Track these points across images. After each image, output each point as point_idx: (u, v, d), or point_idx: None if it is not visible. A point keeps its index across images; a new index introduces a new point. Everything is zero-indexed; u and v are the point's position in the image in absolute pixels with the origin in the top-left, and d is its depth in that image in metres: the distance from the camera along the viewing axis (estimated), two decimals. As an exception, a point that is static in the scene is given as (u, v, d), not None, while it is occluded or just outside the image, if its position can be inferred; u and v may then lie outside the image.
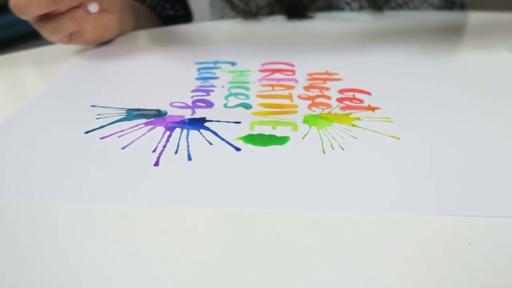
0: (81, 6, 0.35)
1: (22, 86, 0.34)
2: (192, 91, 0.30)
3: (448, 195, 0.19)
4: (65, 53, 0.39)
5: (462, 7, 0.53)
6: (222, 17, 0.54)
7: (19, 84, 0.34)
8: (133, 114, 0.27)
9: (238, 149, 0.23)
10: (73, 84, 0.32)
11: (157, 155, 0.22)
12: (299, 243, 0.16)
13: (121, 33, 0.44)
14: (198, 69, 0.34)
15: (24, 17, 0.32)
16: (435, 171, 0.20)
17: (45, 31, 0.35)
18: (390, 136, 0.24)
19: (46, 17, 0.34)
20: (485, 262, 0.15)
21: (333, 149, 0.23)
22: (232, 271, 0.15)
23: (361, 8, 0.49)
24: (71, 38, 0.37)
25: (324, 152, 0.22)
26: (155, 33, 0.46)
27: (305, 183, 0.20)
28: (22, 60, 0.39)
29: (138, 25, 0.47)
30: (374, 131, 0.24)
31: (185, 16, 0.58)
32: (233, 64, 0.36)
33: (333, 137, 0.24)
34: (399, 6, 0.49)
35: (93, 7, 0.35)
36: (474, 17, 0.48)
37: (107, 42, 0.42)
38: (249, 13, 0.47)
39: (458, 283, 0.14)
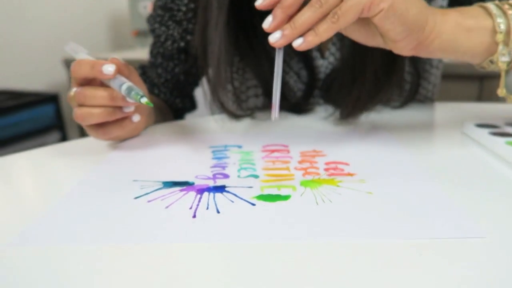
0: (127, 116, 0.43)
1: (68, 170, 0.42)
2: (211, 167, 0.39)
3: (406, 225, 0.27)
4: (99, 146, 0.48)
5: (432, 100, 0.65)
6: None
7: (64, 170, 0.42)
8: (168, 184, 0.35)
9: (253, 204, 0.31)
10: (113, 167, 0.41)
11: (194, 210, 0.30)
12: (299, 267, 0.24)
13: (146, 127, 0.53)
14: (213, 151, 0.43)
15: (83, 124, 0.42)
16: (398, 212, 0.28)
17: (96, 133, 0.43)
18: (365, 191, 0.32)
19: (99, 124, 0.42)
20: (429, 262, 0.23)
21: (324, 202, 0.31)
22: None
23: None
24: (111, 138, 0.46)
25: (317, 204, 0.30)
26: (172, 126, 0.55)
27: (305, 223, 0.27)
28: (57, 152, 0.47)
29: (159, 118, 0.57)
30: (353, 189, 0.33)
31: (191, 107, 0.70)
32: (239, 146, 0.45)
33: (323, 194, 0.32)
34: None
35: (136, 118, 0.44)
36: (437, 106, 0.60)
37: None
38: (241, 115, 0.56)
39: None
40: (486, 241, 0.25)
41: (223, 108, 0.54)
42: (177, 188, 0.34)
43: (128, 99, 0.39)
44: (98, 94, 0.40)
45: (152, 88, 0.64)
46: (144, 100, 0.38)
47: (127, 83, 0.39)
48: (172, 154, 0.44)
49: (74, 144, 0.49)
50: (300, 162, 0.39)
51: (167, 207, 0.31)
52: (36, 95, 1.64)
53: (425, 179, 0.34)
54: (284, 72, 0.57)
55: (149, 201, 0.32)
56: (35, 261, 0.25)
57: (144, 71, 0.65)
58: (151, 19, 0.62)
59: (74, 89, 0.41)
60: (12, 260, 0.25)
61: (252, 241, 0.26)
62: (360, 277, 0.22)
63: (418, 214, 0.28)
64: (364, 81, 0.47)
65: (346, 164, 0.38)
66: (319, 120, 0.54)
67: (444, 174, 0.35)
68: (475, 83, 1.16)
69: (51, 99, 1.66)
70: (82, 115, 0.40)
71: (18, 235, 0.28)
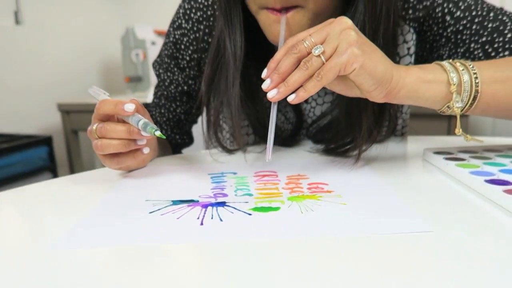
0: (139, 148, 0.50)
1: (84, 196, 0.48)
2: (211, 189, 0.46)
3: (371, 225, 0.34)
4: (107, 176, 0.54)
5: (402, 134, 0.74)
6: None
7: (80, 196, 0.48)
8: (176, 202, 0.42)
9: (250, 214, 0.38)
10: (126, 191, 0.47)
11: (201, 219, 0.37)
12: (289, 260, 0.30)
13: (151, 160, 0.60)
14: (212, 177, 0.50)
15: (100, 153, 0.49)
16: (365, 216, 0.36)
17: (110, 162, 0.50)
18: (341, 203, 0.39)
19: (113, 154, 0.50)
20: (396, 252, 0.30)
21: (307, 211, 0.38)
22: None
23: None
24: (122, 167, 0.53)
25: (302, 212, 0.37)
26: (174, 158, 0.62)
27: (293, 226, 0.34)
28: (70, 182, 0.53)
29: (160, 153, 0.65)
30: (330, 202, 0.40)
31: (189, 142, 0.77)
32: (235, 173, 0.52)
33: (306, 205, 0.39)
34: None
35: (146, 150, 0.51)
36: (410, 140, 0.68)
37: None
38: (234, 149, 0.63)
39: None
40: (434, 235, 0.32)
41: (219, 144, 0.61)
42: (185, 205, 0.41)
43: (143, 133, 0.46)
44: (117, 129, 0.47)
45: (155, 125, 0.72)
46: (158, 133, 0.45)
47: (143, 120, 0.46)
48: (176, 180, 0.50)
49: (84, 176, 0.56)
50: (287, 184, 0.46)
51: (178, 218, 0.38)
52: (29, 137, 1.70)
53: (389, 193, 0.41)
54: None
55: (162, 214, 0.39)
56: (77, 261, 0.31)
57: (148, 110, 0.73)
58: (157, 64, 0.71)
59: (96, 125, 0.48)
60: (55, 261, 0.31)
61: (250, 239, 0.32)
62: (337, 264, 0.29)
63: (381, 216, 0.35)
64: (362, 125, 0.52)
65: (326, 184, 0.46)
66: (304, 152, 0.61)
67: (405, 189, 0.43)
68: (444, 121, 1.28)
69: (44, 141, 1.71)
70: (102, 145, 0.48)
71: (57, 241, 0.34)
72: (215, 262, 0.29)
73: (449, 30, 0.57)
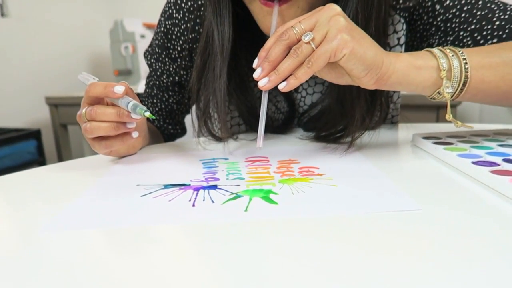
0: (128, 132, 0.50)
1: (75, 181, 0.47)
2: (203, 174, 0.46)
3: (361, 204, 0.34)
4: (98, 163, 0.54)
5: (393, 123, 0.74)
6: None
7: (71, 181, 0.48)
8: (168, 186, 0.42)
9: (241, 196, 0.38)
10: (117, 176, 0.47)
11: (193, 201, 0.37)
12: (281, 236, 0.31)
13: (141, 148, 0.60)
14: (203, 163, 0.50)
15: (90, 136, 0.48)
16: (356, 196, 0.36)
17: (99, 146, 0.50)
18: (331, 185, 0.40)
19: (102, 137, 0.50)
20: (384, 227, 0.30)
21: (298, 192, 0.38)
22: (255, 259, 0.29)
23: None
24: (111, 152, 0.53)
25: (293, 194, 0.38)
26: (165, 146, 0.62)
27: (283, 206, 0.35)
28: (61, 168, 0.53)
29: (152, 141, 0.64)
30: (321, 184, 0.40)
31: (182, 133, 0.77)
32: (226, 159, 0.52)
33: (297, 187, 0.39)
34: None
35: (135, 134, 0.51)
36: (401, 127, 0.69)
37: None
38: (225, 138, 0.62)
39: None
40: (422, 213, 0.33)
41: (209, 133, 0.61)
42: (176, 188, 0.41)
43: (133, 115, 0.46)
44: (107, 111, 0.47)
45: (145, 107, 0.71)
46: (148, 113, 0.45)
47: (133, 101, 0.46)
48: (167, 165, 0.50)
49: (73, 163, 0.55)
50: (278, 168, 0.47)
51: (170, 200, 0.38)
52: (17, 131, 1.68)
53: (379, 175, 0.42)
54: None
55: (153, 198, 0.39)
56: (69, 243, 0.31)
57: (140, 101, 0.72)
58: (148, 54, 0.70)
59: (85, 108, 0.48)
60: (46, 242, 0.31)
61: (242, 220, 0.33)
62: (327, 243, 0.29)
63: (371, 196, 0.36)
64: (354, 113, 0.53)
65: (317, 168, 0.46)
66: (295, 139, 0.62)
67: (395, 172, 0.43)
68: (433, 111, 1.29)
69: (33, 135, 1.69)
70: (91, 128, 0.48)
71: (49, 223, 0.34)
72: (207, 242, 0.30)
73: (438, 19, 0.58)
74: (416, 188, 0.38)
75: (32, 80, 1.94)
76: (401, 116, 0.76)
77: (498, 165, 0.41)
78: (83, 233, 0.32)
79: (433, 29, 0.59)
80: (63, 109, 1.82)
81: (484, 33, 0.55)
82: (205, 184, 0.42)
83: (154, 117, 0.45)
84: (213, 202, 0.37)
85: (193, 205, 0.36)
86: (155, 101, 0.71)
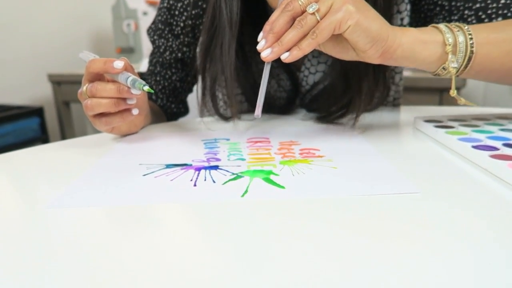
0: (128, 109, 0.51)
1: (78, 160, 0.48)
2: (205, 154, 0.46)
3: (359, 186, 0.35)
4: (101, 141, 0.55)
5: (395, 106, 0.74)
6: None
7: (74, 160, 0.48)
8: (170, 166, 0.42)
9: (242, 176, 0.38)
10: (119, 155, 0.47)
11: (194, 181, 0.37)
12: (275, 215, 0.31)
13: (143, 127, 0.60)
14: (205, 143, 0.51)
15: (90, 113, 0.49)
16: (354, 179, 0.36)
17: (100, 123, 0.50)
18: (331, 167, 0.40)
19: (102, 114, 0.50)
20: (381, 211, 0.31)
21: (298, 174, 0.38)
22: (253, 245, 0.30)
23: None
24: (113, 129, 0.53)
25: (293, 175, 0.38)
26: (167, 125, 0.63)
27: (284, 187, 0.35)
28: (75, 145, 0.54)
29: (154, 120, 0.65)
30: (321, 166, 0.41)
31: (184, 112, 0.77)
32: (227, 139, 0.52)
33: (298, 169, 0.40)
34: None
35: (135, 111, 0.51)
36: (403, 109, 0.69)
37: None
38: (228, 116, 0.63)
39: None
40: (420, 196, 0.33)
41: (215, 111, 0.61)
42: (178, 168, 0.42)
43: (133, 90, 0.47)
44: (107, 87, 0.47)
45: (150, 94, 0.71)
46: (146, 87, 0.45)
47: (132, 76, 0.46)
48: (169, 145, 0.51)
49: (76, 141, 0.56)
50: (279, 149, 0.47)
51: (171, 180, 0.38)
52: (20, 108, 1.68)
53: (378, 158, 0.42)
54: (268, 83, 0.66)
55: (155, 177, 0.39)
56: (71, 220, 0.32)
57: (144, 79, 0.72)
58: (151, 31, 0.70)
59: (85, 86, 0.48)
60: (48, 220, 0.32)
61: (242, 199, 0.33)
62: (324, 225, 0.30)
63: (370, 179, 0.36)
64: (362, 87, 0.53)
65: (317, 149, 0.46)
66: (297, 120, 0.62)
67: (395, 154, 0.43)
68: (436, 94, 1.28)
69: (36, 112, 1.70)
70: (92, 105, 0.48)
71: (53, 201, 0.35)
72: (208, 221, 0.30)
73: None
74: (415, 171, 0.38)
75: (33, 56, 1.94)
76: (404, 99, 0.75)
77: (498, 149, 0.41)
78: (86, 210, 0.33)
79: (438, 8, 0.58)
80: (65, 86, 1.82)
81: (489, 11, 0.55)
82: (206, 164, 0.43)
83: (152, 91, 0.45)
84: (214, 182, 0.37)
85: (195, 185, 0.37)
86: (158, 78, 0.71)
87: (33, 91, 1.95)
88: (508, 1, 0.53)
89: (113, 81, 0.49)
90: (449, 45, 0.45)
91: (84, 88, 0.49)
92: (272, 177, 0.38)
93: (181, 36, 0.67)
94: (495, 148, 0.41)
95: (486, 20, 0.55)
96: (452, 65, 0.45)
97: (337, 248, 0.26)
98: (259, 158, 0.44)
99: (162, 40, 0.68)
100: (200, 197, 0.34)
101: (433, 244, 0.26)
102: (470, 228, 0.28)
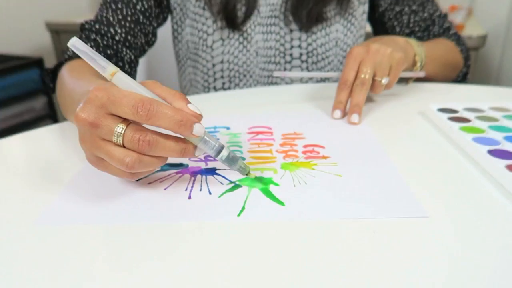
0: None
1: (67, 153, 0.46)
2: (202, 149, 0.44)
3: (363, 207, 0.32)
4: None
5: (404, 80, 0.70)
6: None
7: (64, 152, 0.46)
8: (164, 167, 0.40)
9: (240, 186, 0.36)
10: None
11: (189, 192, 0.35)
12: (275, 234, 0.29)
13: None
14: (203, 133, 0.48)
15: (129, 171, 0.32)
16: (359, 195, 0.34)
17: (129, 176, 0.33)
18: (336, 174, 0.38)
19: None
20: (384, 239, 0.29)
21: (300, 184, 0.36)
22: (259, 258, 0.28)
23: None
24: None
25: (294, 186, 0.36)
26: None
27: (284, 204, 0.33)
28: (51, 134, 0.51)
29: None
30: (324, 172, 0.38)
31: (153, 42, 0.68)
32: (228, 128, 0.50)
33: (300, 176, 0.37)
34: None
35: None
36: (415, 88, 0.65)
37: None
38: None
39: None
40: (429, 220, 0.31)
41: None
42: (173, 171, 0.39)
43: (227, 165, 0.36)
44: (171, 147, 0.32)
45: (108, 28, 0.61)
46: (253, 174, 0.38)
47: (226, 149, 0.35)
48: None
49: (65, 127, 0.53)
50: (281, 145, 0.44)
51: (165, 188, 0.36)
52: (20, 59, 1.63)
53: (385, 163, 0.40)
54: None
55: (149, 183, 0.37)
56: (58, 239, 0.30)
57: (91, 26, 0.61)
58: None
59: (120, 127, 0.30)
60: (36, 237, 0.30)
61: (238, 220, 0.31)
62: (327, 248, 0.28)
63: (375, 197, 0.34)
64: None
65: (322, 147, 0.44)
66: (300, 102, 0.58)
67: (403, 158, 0.41)
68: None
69: (35, 63, 1.65)
70: (140, 164, 0.31)
71: (38, 216, 0.33)
72: (201, 245, 0.29)
73: None
74: (425, 183, 0.36)
75: (30, 3, 1.85)
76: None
77: (516, 157, 0.38)
78: (77, 228, 0.31)
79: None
80: (65, 36, 1.75)
81: (417, 18, 0.71)
82: (203, 165, 0.40)
83: (253, 177, 0.37)
84: (210, 193, 0.35)
85: (189, 197, 0.35)
86: (119, 6, 0.61)
87: (31, 40, 1.88)
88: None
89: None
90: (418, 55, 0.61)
91: (119, 129, 0.30)
92: (271, 188, 0.36)
93: None
94: (513, 156, 0.38)
95: (410, 24, 0.72)
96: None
97: (334, 271, 0.24)
98: (259, 158, 0.42)
99: None
100: (194, 216, 0.32)
101: (442, 273, 0.24)
102: (482, 256, 0.26)
